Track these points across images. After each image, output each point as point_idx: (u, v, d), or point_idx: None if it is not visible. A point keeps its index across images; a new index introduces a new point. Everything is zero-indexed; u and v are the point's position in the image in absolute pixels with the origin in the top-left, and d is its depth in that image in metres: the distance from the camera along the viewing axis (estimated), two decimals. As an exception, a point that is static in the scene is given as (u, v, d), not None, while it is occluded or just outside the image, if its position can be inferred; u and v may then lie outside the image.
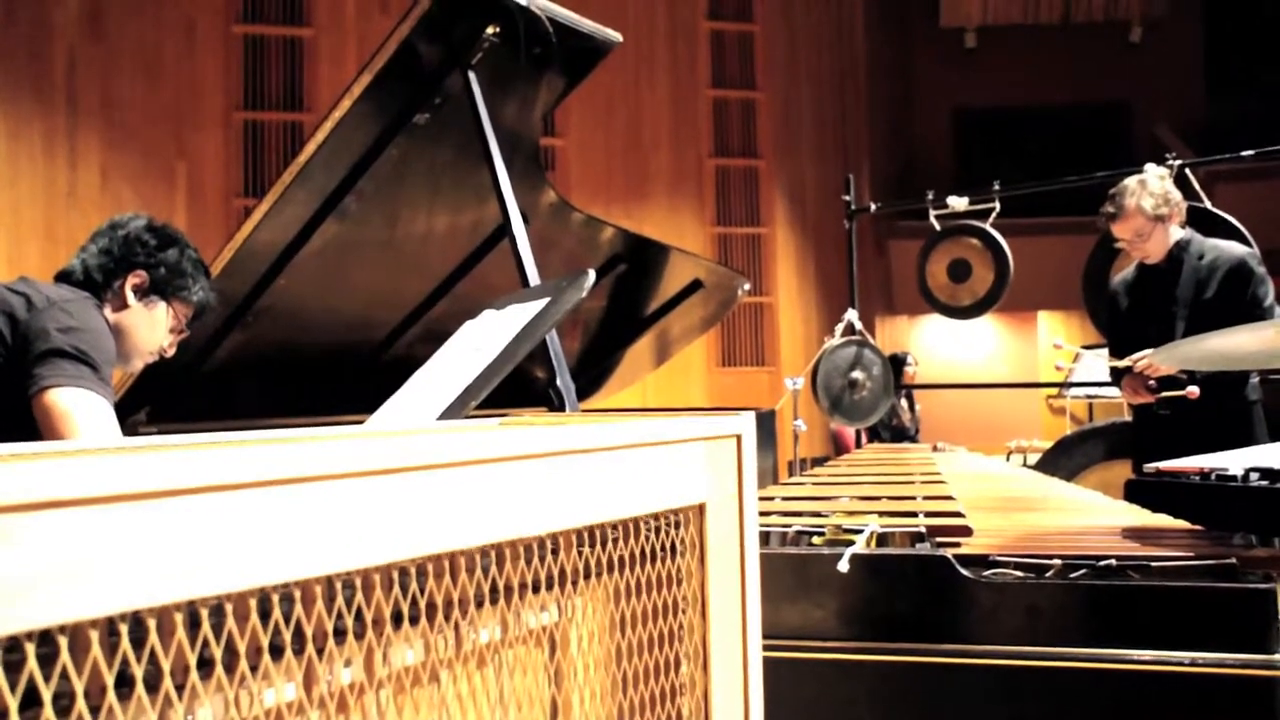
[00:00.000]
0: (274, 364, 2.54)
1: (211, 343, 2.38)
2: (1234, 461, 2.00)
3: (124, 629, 0.46)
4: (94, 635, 0.45)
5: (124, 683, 0.47)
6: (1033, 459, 5.62)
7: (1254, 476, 1.87)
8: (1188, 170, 3.91)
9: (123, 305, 1.89)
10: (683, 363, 6.63)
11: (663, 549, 0.83)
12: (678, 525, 0.83)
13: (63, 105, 6.14)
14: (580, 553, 0.76)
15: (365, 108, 1.98)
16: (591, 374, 3.43)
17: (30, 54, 6.05)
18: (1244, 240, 3.46)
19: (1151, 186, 3.02)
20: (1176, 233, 3.08)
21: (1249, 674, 1.32)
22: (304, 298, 2.37)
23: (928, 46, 11.01)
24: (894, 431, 6.47)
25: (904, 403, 6.67)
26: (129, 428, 2.27)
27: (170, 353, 1.98)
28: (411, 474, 0.59)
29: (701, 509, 0.83)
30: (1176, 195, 3.07)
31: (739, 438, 0.87)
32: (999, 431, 8.30)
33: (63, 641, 0.43)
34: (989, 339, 10.83)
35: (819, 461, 4.77)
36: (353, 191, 2.15)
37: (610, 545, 0.78)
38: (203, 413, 2.52)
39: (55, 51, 6.14)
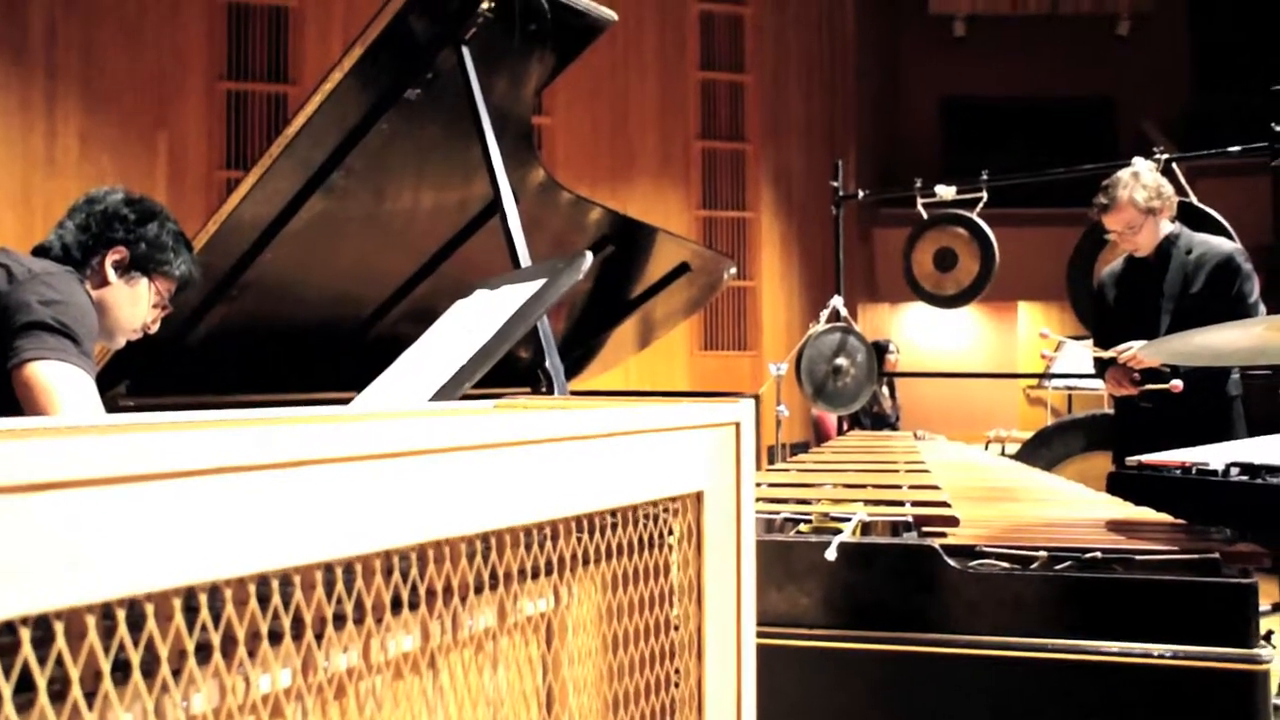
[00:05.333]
0: (258, 339, 2.51)
1: (194, 317, 2.35)
2: (1215, 456, 2.02)
3: (120, 614, 0.44)
4: (90, 620, 0.44)
5: (120, 668, 0.46)
6: (1011, 449, 5.66)
7: (1234, 471, 1.89)
8: (1174, 164, 3.93)
9: (103, 282, 1.85)
10: (665, 346, 6.62)
11: (659, 537, 0.82)
12: (675, 513, 0.82)
13: (41, 71, 6.03)
14: (578, 540, 0.75)
15: (356, 81, 1.95)
16: (575, 356, 3.41)
17: (6, 18, 5.93)
18: (1229, 236, 3.48)
19: (1144, 179, 3.03)
20: (1166, 226, 3.09)
21: (1230, 667, 1.34)
22: (289, 273, 2.34)
23: (916, 34, 11.00)
24: (875, 419, 6.50)
25: (885, 390, 6.69)
26: (109, 401, 2.24)
27: (154, 329, 1.95)
28: (410, 459, 0.58)
29: (699, 497, 0.82)
30: (1169, 189, 3.09)
31: (738, 425, 0.86)
32: (978, 421, 8.36)
33: (58, 626, 0.42)
34: (969, 329, 10.89)
35: (800, 447, 4.78)
36: (341, 167, 2.12)
37: (608, 532, 0.77)
38: (184, 387, 2.49)
39: (33, 16, 6.02)
